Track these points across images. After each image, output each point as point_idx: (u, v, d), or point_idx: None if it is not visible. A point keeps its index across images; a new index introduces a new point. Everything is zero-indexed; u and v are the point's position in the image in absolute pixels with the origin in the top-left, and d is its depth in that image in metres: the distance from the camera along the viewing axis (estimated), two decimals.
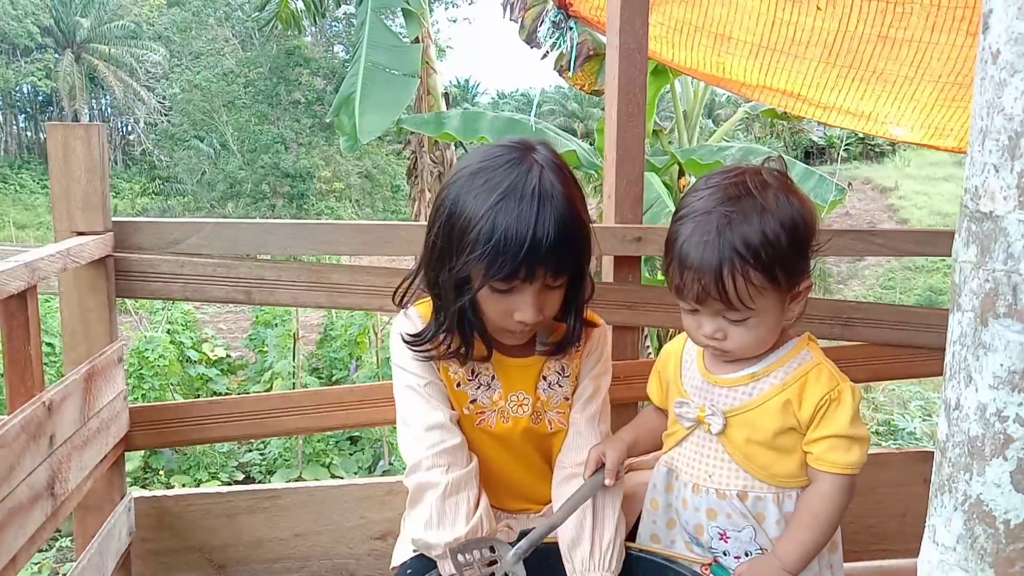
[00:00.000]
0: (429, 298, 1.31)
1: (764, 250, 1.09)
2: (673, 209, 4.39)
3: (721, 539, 1.24)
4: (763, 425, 1.19)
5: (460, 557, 1.18)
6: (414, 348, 1.29)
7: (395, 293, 1.34)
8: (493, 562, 1.20)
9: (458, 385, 1.33)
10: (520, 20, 3.77)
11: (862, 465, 1.16)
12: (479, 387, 1.34)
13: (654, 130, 4.87)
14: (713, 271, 1.10)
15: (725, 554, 1.24)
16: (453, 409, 1.33)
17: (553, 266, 1.16)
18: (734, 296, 1.11)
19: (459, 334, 1.25)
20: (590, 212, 1.27)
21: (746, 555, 1.22)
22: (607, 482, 1.28)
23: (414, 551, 1.31)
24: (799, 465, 1.20)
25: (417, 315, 1.33)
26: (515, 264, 1.12)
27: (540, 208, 1.12)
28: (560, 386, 1.36)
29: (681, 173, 4.63)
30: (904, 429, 5.27)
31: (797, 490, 1.21)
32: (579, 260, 1.21)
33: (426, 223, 1.27)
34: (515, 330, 1.23)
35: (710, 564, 1.26)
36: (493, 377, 1.34)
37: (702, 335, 1.19)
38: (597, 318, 1.42)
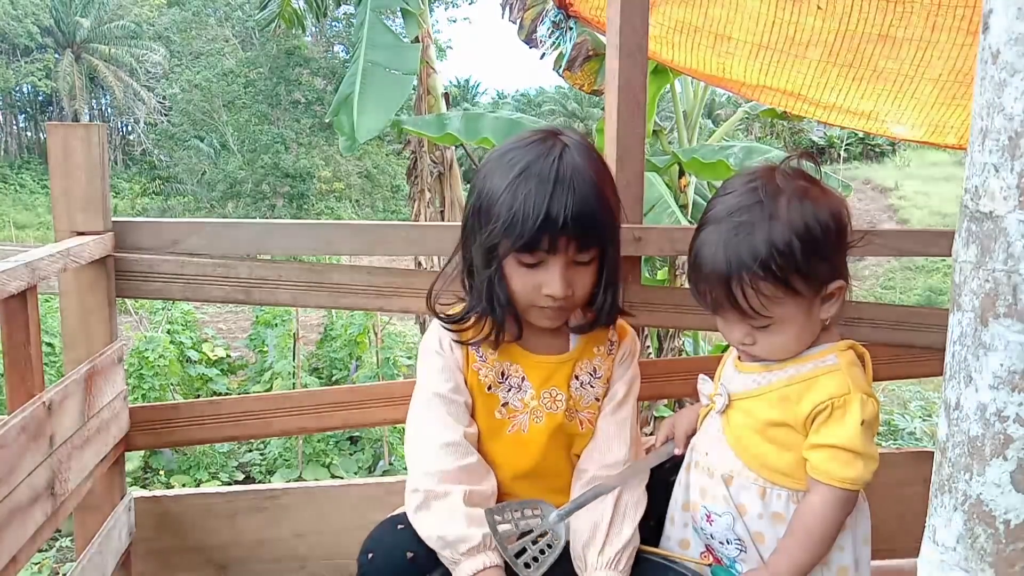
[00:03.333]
0: (457, 306, 1.34)
1: (773, 261, 1.08)
2: (675, 209, 4.33)
3: (707, 520, 1.24)
4: (758, 413, 1.19)
5: (498, 516, 1.20)
6: (452, 329, 1.31)
7: (429, 294, 1.36)
8: (532, 519, 1.24)
9: (489, 388, 1.33)
10: (519, 20, 3.77)
11: (862, 483, 1.12)
12: (510, 389, 1.34)
13: (654, 130, 4.87)
14: (722, 283, 1.12)
15: (711, 537, 1.25)
16: (472, 424, 1.32)
17: (576, 237, 1.19)
18: (747, 307, 1.12)
19: (489, 310, 1.27)
20: None
21: (727, 542, 1.22)
22: (676, 451, 1.33)
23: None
24: (793, 465, 1.17)
25: (445, 314, 1.34)
26: (534, 233, 1.16)
27: (558, 181, 1.17)
28: (592, 387, 1.37)
29: (681, 173, 4.62)
30: (904, 429, 5.28)
31: (788, 491, 1.18)
32: (603, 236, 1.23)
33: (428, 223, 1.29)
34: (545, 305, 1.24)
35: (710, 564, 1.26)
36: (523, 378, 1.34)
37: (732, 339, 1.21)
38: (627, 326, 1.43)
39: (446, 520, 1.21)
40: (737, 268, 1.10)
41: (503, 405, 1.34)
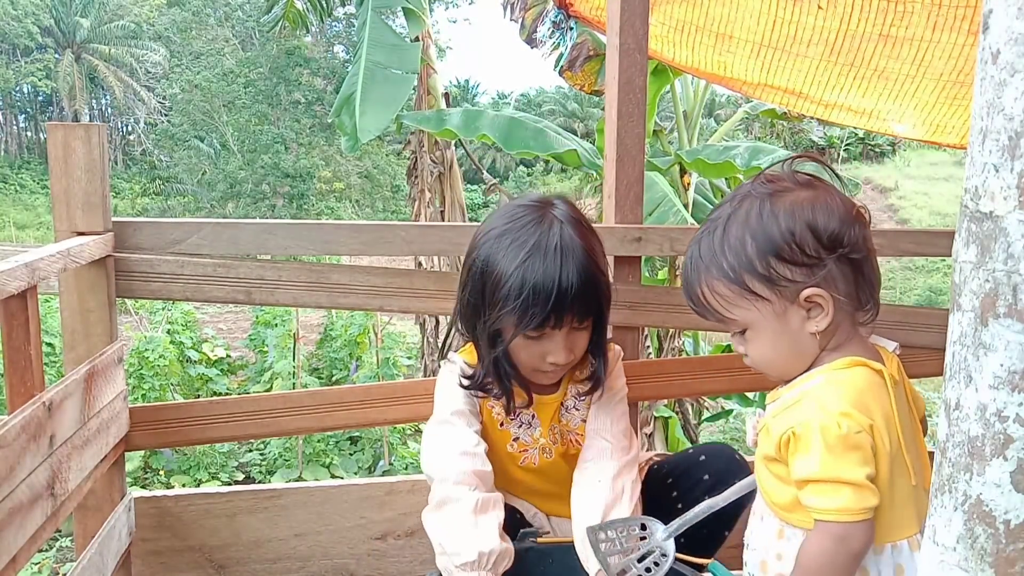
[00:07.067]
0: (470, 351, 1.42)
1: (725, 259, 1.07)
2: (680, 208, 4.29)
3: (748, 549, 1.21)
4: (762, 446, 1.13)
5: (602, 534, 1.22)
6: (469, 389, 1.37)
7: (440, 350, 1.47)
8: (640, 539, 1.25)
9: (501, 425, 1.42)
10: (520, 20, 3.76)
11: (855, 513, 0.99)
12: (520, 425, 1.42)
13: (654, 130, 4.86)
14: (687, 284, 1.13)
15: (746, 563, 1.20)
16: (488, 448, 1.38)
17: (578, 312, 1.26)
18: (706, 307, 1.11)
19: (497, 382, 1.34)
20: (590, 212, 1.31)
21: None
22: None
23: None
24: (793, 502, 1.07)
25: (463, 361, 1.41)
26: (544, 314, 1.22)
27: (563, 262, 1.23)
28: (576, 409, 1.45)
29: (683, 172, 4.62)
30: None
31: (800, 531, 1.08)
32: (600, 303, 1.30)
33: (428, 223, 1.31)
34: (548, 371, 1.33)
35: (709, 563, 1.26)
36: (533, 416, 1.43)
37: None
38: (611, 344, 1.49)
39: (451, 526, 1.23)
40: (695, 267, 1.10)
41: (514, 440, 1.42)
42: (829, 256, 1.04)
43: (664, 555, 1.22)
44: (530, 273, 1.22)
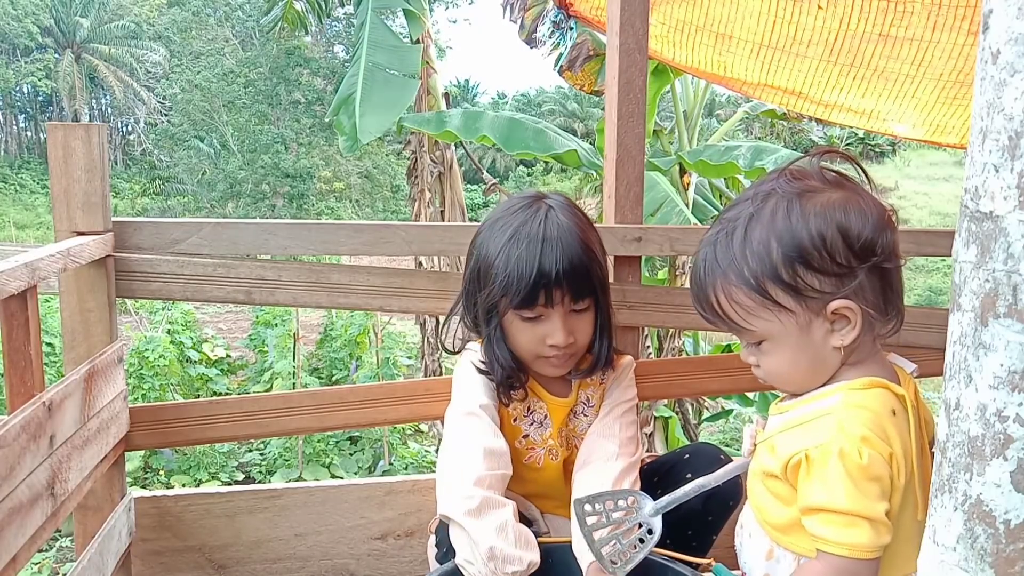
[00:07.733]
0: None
1: (746, 265, 0.97)
2: (683, 207, 4.29)
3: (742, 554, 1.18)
4: (760, 460, 1.07)
5: (588, 507, 1.21)
6: (484, 375, 1.39)
7: (440, 342, 1.54)
8: (627, 513, 1.23)
9: (515, 420, 1.44)
10: (520, 20, 3.76)
11: (873, 549, 0.92)
12: (532, 424, 1.44)
13: (654, 130, 4.87)
14: (699, 290, 1.04)
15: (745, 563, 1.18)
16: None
17: (570, 289, 1.28)
18: (723, 316, 1.02)
19: (490, 367, 1.36)
20: (590, 212, 1.32)
21: None
22: None
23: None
24: (790, 523, 1.01)
25: (481, 349, 1.43)
26: (531, 289, 1.27)
27: (546, 239, 1.28)
28: (585, 415, 1.47)
29: (682, 172, 4.62)
30: None
31: (791, 554, 1.02)
32: (594, 284, 1.32)
33: (428, 223, 1.32)
34: (550, 355, 1.34)
35: (711, 564, 1.26)
36: (546, 416, 1.45)
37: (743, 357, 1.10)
38: (623, 354, 1.52)
39: (501, 533, 1.22)
40: (710, 272, 1.01)
41: (524, 436, 1.44)
42: (861, 266, 0.96)
43: (650, 531, 1.20)
44: (514, 251, 1.28)
